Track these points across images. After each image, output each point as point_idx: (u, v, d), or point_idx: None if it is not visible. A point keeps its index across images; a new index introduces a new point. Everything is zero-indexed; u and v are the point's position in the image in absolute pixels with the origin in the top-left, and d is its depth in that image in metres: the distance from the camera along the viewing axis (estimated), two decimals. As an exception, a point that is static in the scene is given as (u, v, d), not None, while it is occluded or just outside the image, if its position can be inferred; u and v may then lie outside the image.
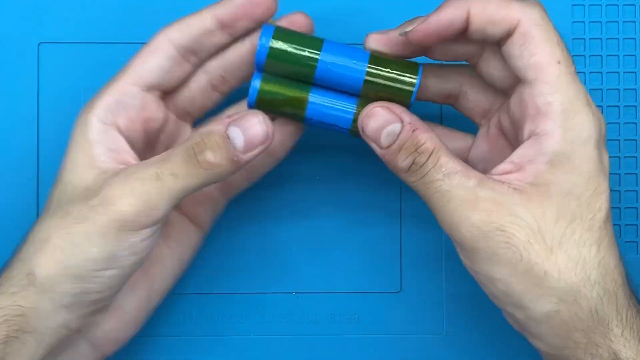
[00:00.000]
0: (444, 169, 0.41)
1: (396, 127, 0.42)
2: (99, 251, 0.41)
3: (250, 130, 0.42)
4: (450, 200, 0.41)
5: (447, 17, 0.41)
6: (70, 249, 0.41)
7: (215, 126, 0.42)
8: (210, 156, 0.41)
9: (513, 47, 0.41)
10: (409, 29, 0.42)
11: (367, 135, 0.43)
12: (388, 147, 0.42)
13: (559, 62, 0.40)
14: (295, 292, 0.51)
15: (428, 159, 0.41)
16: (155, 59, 0.45)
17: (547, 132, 0.40)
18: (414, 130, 0.42)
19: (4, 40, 0.51)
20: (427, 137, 0.42)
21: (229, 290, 0.51)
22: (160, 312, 0.51)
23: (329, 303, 0.51)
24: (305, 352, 0.51)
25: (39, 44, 0.51)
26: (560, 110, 0.40)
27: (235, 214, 0.51)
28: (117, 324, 0.45)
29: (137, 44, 0.51)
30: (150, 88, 0.45)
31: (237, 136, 0.42)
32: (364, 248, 0.51)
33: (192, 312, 0.51)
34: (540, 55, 0.40)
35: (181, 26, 0.45)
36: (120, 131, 0.44)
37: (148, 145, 0.46)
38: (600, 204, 0.41)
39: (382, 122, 0.42)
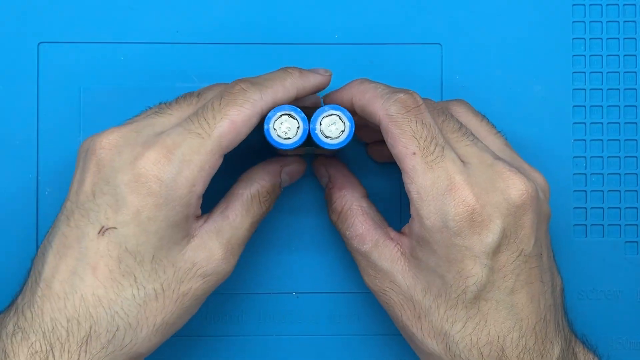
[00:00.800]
0: (348, 232, 0.46)
1: (324, 181, 0.49)
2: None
3: (295, 173, 0.49)
4: (354, 258, 0.47)
5: (340, 99, 0.46)
6: (178, 325, 0.45)
7: (273, 176, 0.47)
8: (270, 207, 0.48)
9: (384, 137, 0.44)
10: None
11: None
12: None
13: (414, 154, 0.42)
14: (295, 292, 0.51)
15: (338, 218, 0.47)
16: (243, 130, 0.44)
17: (412, 215, 0.43)
18: (330, 188, 0.48)
19: (4, 40, 0.51)
20: (339, 196, 0.47)
21: (229, 290, 0.51)
22: (160, 312, 0.51)
23: (328, 303, 0.51)
24: (305, 352, 0.51)
25: (39, 44, 0.51)
26: (416, 199, 0.42)
27: (235, 214, 0.51)
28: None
29: (137, 44, 0.51)
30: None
31: (286, 181, 0.48)
32: (364, 248, 0.51)
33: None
34: (398, 147, 0.43)
35: (269, 98, 0.45)
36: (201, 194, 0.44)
37: None
38: (466, 286, 0.42)
39: (319, 175, 0.50)
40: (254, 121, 0.44)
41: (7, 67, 0.51)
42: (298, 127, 0.45)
